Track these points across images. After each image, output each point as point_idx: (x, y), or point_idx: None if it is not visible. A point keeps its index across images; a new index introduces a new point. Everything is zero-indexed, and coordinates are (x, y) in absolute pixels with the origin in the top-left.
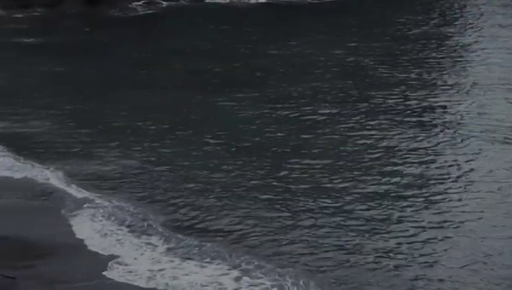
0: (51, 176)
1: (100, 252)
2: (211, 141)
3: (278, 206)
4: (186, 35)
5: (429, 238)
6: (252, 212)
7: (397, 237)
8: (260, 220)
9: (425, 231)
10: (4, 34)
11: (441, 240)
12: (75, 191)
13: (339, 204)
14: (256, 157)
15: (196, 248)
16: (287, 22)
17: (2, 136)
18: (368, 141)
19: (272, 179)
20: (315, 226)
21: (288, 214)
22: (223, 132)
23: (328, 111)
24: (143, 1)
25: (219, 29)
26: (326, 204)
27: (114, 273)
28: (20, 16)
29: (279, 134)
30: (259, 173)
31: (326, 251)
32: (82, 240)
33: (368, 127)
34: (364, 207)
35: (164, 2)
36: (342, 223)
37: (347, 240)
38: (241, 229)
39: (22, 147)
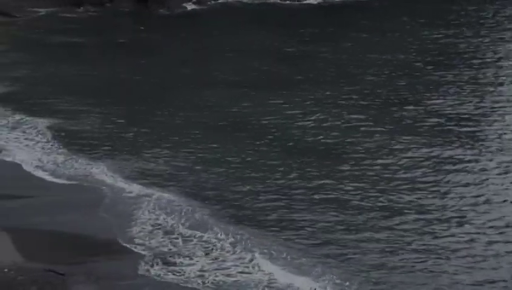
0: (104, 173)
1: (150, 249)
2: (262, 139)
3: (330, 205)
4: (236, 34)
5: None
6: (301, 210)
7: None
8: (311, 220)
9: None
10: (58, 33)
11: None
12: (129, 188)
13: (391, 204)
14: (307, 157)
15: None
16: (338, 21)
17: (57, 132)
18: (418, 145)
19: (320, 178)
20: (371, 227)
21: (339, 214)
22: (274, 131)
23: (379, 112)
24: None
25: (269, 29)
26: (378, 204)
27: (162, 271)
28: (73, 14)
29: (330, 134)
30: (308, 172)
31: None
32: (133, 238)
33: (420, 130)
34: (421, 208)
35: (214, 1)
36: (395, 225)
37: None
38: (294, 227)
39: (76, 143)
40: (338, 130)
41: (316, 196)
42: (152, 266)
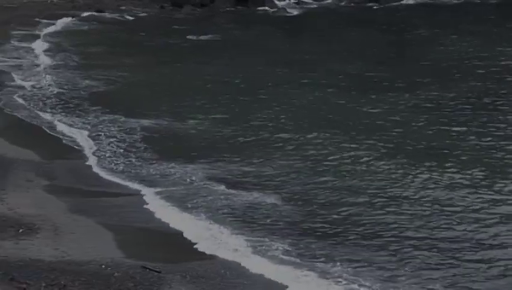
0: (203, 174)
1: (243, 249)
2: (358, 142)
3: (426, 211)
4: (333, 36)
5: None
6: (398, 219)
7: None
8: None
9: None
10: (162, 33)
11: None
12: (226, 189)
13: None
14: (406, 161)
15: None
16: (436, 22)
17: (154, 133)
18: None
19: (417, 184)
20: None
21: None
22: (370, 134)
23: (478, 118)
24: (292, 1)
25: (366, 31)
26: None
27: (259, 271)
28: (175, 15)
29: (426, 138)
30: (407, 177)
31: None
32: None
33: None
34: None
35: (314, 3)
36: None
37: None
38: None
39: (173, 145)
40: (436, 135)
41: (435, 206)
42: (252, 267)
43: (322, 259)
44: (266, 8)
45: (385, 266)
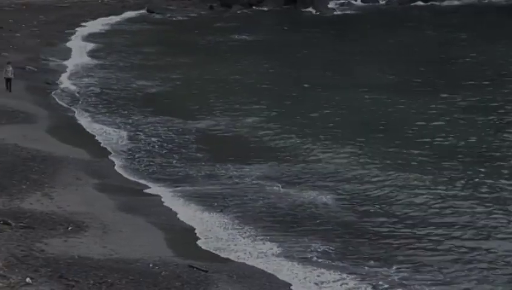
0: (258, 174)
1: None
2: (410, 146)
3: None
4: (381, 36)
5: None
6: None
7: None
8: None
9: None
10: (211, 33)
11: None
12: (286, 191)
13: None
14: (461, 165)
15: None
16: (484, 23)
17: (207, 133)
18: None
19: (474, 186)
20: None
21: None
22: (421, 135)
23: None
24: (340, 1)
25: (414, 32)
26: None
27: (306, 273)
28: (224, 15)
29: (480, 141)
30: (461, 181)
31: None
32: None
33: None
34: None
35: (362, 3)
36: None
37: None
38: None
39: (228, 146)
40: (489, 136)
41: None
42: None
43: (372, 262)
44: (313, 8)
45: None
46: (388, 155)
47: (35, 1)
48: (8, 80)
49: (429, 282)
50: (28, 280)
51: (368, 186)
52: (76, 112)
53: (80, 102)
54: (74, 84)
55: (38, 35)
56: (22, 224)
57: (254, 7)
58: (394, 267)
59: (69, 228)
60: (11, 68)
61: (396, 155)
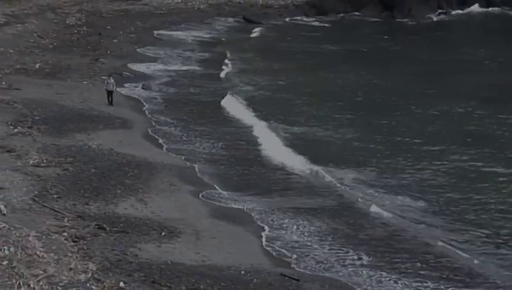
0: (343, 182)
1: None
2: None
3: None
4: (479, 45)
5: None
6: None
7: None
8: None
9: None
10: (301, 41)
11: None
12: (365, 200)
13: None
14: None
15: None
16: None
17: (296, 139)
18: None
19: None
20: None
21: None
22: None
23: None
24: (438, 11)
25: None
26: None
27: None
28: (318, 23)
29: None
30: None
31: None
32: None
33: None
34: None
35: (460, 11)
36: None
37: None
38: None
39: (315, 152)
40: None
41: None
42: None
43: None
44: (412, 17)
45: None
46: (487, 168)
47: (132, 8)
48: (110, 93)
49: None
50: (121, 284)
51: (463, 200)
52: (168, 117)
53: (173, 107)
54: (170, 92)
55: (135, 41)
56: (116, 229)
57: (353, 13)
58: None
59: (163, 234)
60: (112, 80)
61: (496, 169)
